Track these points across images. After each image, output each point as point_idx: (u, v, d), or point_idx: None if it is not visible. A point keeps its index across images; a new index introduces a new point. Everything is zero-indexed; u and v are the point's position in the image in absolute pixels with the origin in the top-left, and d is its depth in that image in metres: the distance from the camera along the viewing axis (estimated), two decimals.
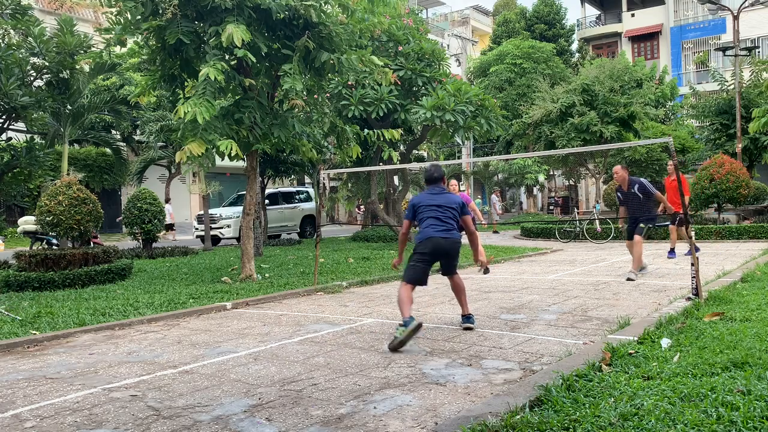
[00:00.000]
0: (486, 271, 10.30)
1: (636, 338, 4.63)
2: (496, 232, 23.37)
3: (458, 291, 5.80)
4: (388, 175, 18.41)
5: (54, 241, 12.85)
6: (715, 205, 17.15)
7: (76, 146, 25.40)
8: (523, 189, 38.91)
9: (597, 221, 16.82)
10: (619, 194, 9.12)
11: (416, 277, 5.50)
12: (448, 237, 5.52)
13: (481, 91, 14.70)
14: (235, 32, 7.60)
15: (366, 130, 11.94)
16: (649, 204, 8.88)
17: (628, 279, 8.64)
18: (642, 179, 9.01)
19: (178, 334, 5.95)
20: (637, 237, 8.72)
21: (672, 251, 11.45)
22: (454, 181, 10.77)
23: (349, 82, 13.76)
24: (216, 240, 19.29)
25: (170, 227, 21.40)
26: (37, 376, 4.57)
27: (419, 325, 5.06)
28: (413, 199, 5.79)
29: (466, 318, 5.79)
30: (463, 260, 11.89)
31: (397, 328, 5.11)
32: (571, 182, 36.22)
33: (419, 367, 4.45)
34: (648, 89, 23.19)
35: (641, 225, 8.73)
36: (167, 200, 23.51)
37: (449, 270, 5.75)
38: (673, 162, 6.73)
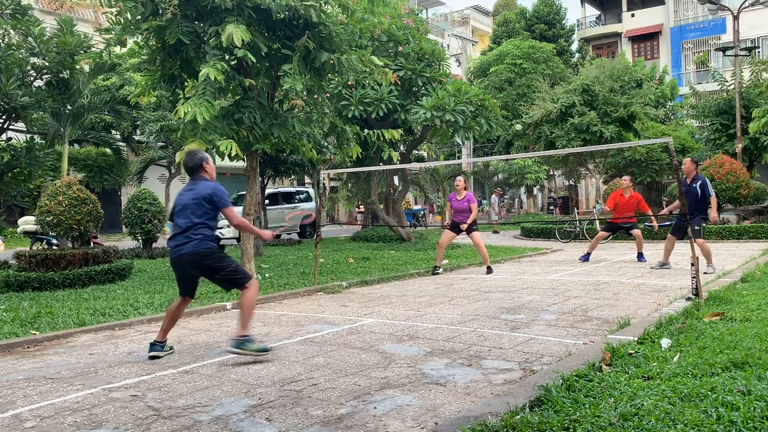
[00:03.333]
0: (489, 270, 10.31)
1: (636, 338, 4.63)
2: (496, 232, 23.38)
3: (241, 306, 4.89)
4: (388, 175, 18.41)
5: (54, 241, 12.85)
6: None
7: (76, 146, 25.41)
8: (523, 189, 38.91)
9: (597, 221, 16.82)
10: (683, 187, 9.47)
11: (180, 290, 5.05)
12: (181, 253, 4.75)
13: (481, 92, 14.70)
14: (235, 32, 7.60)
15: (366, 130, 11.93)
16: (704, 204, 9.21)
17: (705, 273, 8.79)
18: (705, 179, 9.31)
19: (178, 334, 5.94)
20: (699, 240, 8.93)
21: (641, 255, 11.43)
22: (460, 178, 10.73)
23: (349, 82, 13.76)
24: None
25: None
26: (37, 376, 4.57)
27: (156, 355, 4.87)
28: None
29: (235, 339, 4.76)
30: (463, 260, 11.91)
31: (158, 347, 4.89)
32: (571, 182, 36.22)
33: (419, 367, 4.45)
34: (648, 89, 23.21)
35: (696, 228, 8.93)
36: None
37: (224, 285, 4.96)
38: (674, 162, 6.73)
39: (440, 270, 10.51)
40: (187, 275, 4.95)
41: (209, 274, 4.89)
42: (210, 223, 4.84)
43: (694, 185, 9.20)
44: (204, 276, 4.97)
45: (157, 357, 4.94)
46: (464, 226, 10.23)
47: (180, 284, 5.03)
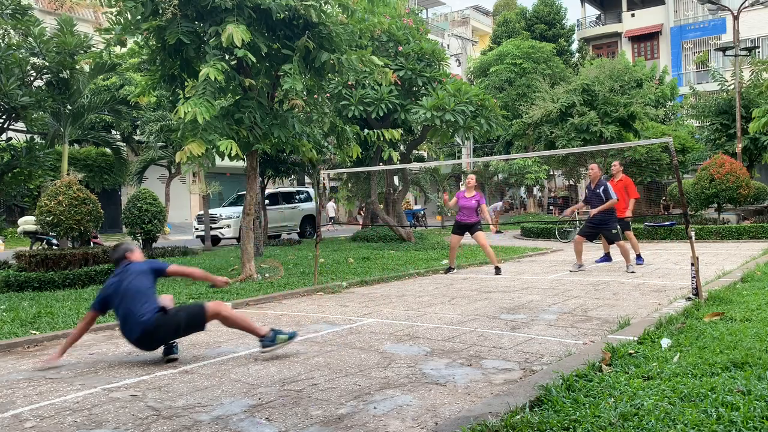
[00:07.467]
0: (497, 271, 10.25)
1: (636, 338, 4.63)
2: (499, 231, 23.34)
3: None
4: (388, 175, 18.41)
5: (54, 241, 12.85)
6: (715, 205, 17.16)
7: (76, 146, 25.38)
8: (523, 189, 38.88)
9: None
10: (586, 190, 9.93)
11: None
12: (128, 327, 4.77)
13: (481, 91, 14.70)
14: (235, 32, 7.60)
15: (366, 130, 11.94)
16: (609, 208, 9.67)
17: (631, 272, 9.38)
18: (608, 183, 9.82)
19: None
20: (620, 242, 9.66)
21: (639, 257, 11.08)
22: (472, 176, 10.87)
23: (349, 82, 13.76)
24: (216, 240, 19.29)
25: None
26: (37, 376, 4.57)
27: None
28: (103, 291, 5.01)
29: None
30: (463, 260, 11.90)
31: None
32: (571, 182, 36.18)
33: (419, 367, 4.45)
34: (648, 89, 23.18)
35: (614, 231, 9.68)
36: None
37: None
38: (674, 162, 6.72)
39: (454, 269, 10.65)
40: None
41: (154, 342, 4.84)
42: (152, 299, 4.85)
43: (598, 190, 9.57)
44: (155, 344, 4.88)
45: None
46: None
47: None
